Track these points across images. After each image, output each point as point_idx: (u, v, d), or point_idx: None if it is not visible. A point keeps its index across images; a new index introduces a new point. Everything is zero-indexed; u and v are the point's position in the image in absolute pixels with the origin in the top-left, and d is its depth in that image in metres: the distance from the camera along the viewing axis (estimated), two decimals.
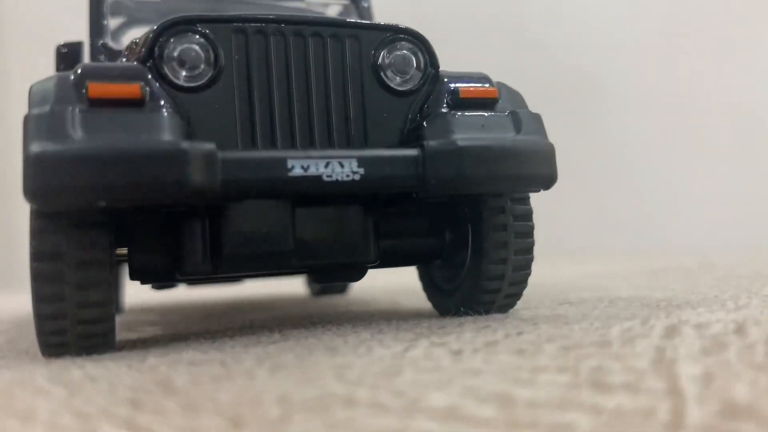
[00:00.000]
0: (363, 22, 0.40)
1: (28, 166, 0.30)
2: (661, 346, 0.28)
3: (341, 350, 0.30)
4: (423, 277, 0.46)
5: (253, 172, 0.32)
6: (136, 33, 0.64)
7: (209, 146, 0.31)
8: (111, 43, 0.50)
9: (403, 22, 0.43)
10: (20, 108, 0.36)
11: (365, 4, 0.58)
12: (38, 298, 0.33)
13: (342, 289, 0.64)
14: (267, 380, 0.25)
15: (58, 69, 0.52)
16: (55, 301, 0.32)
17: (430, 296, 0.46)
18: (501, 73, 0.47)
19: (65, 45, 0.51)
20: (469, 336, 0.32)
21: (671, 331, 0.30)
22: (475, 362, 0.27)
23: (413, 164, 0.35)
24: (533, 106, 0.42)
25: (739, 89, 2.41)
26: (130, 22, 0.59)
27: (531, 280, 0.42)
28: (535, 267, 0.42)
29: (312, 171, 0.33)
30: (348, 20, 0.39)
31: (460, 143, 0.35)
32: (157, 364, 0.30)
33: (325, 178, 0.33)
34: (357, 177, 0.34)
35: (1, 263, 1.79)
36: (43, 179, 0.30)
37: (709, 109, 2.45)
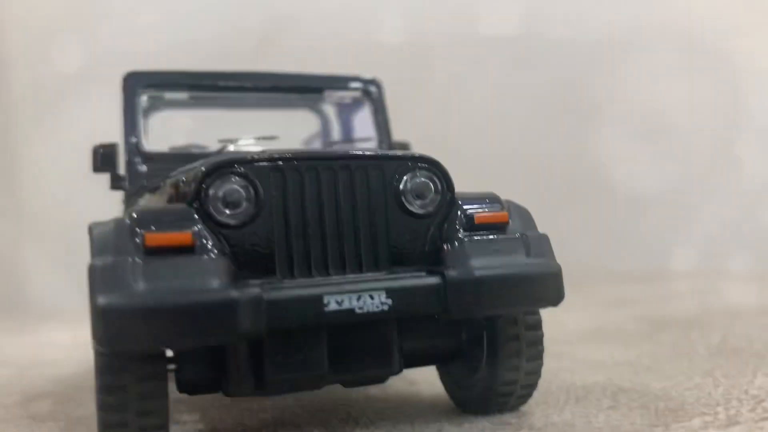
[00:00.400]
0: (385, 153, 0.43)
1: (96, 316, 0.33)
2: None
3: None
4: (442, 373, 0.50)
5: (294, 311, 0.36)
6: (163, 115, 0.68)
7: (255, 291, 0.35)
8: (143, 143, 0.53)
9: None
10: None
11: (375, 94, 0.62)
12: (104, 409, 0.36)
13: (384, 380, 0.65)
14: None
15: (94, 168, 0.56)
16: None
17: (448, 389, 0.49)
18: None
19: (101, 146, 0.55)
20: None
21: None
22: None
23: (436, 292, 0.39)
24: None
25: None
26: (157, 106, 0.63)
27: None
28: None
29: (345, 305, 0.37)
30: (372, 153, 0.43)
31: (477, 273, 0.39)
32: None
33: (357, 311, 0.37)
34: (386, 308, 0.37)
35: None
36: (110, 328, 0.33)
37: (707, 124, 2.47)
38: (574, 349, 0.70)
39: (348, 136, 0.65)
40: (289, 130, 0.72)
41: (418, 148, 0.55)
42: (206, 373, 0.40)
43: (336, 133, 0.68)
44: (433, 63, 2.50)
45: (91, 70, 1.90)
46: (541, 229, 0.45)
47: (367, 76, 0.64)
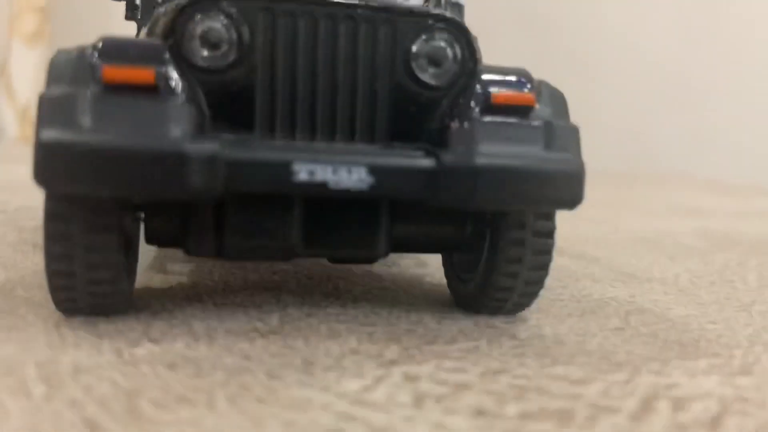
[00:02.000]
0: (400, 6, 0.37)
1: (37, 151, 0.30)
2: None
3: (310, 376, 0.31)
4: (445, 261, 0.46)
5: (256, 176, 0.32)
6: None
7: (212, 147, 0.31)
8: None
9: None
10: None
11: None
12: (49, 257, 0.34)
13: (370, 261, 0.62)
14: (225, 408, 0.27)
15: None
16: (64, 260, 0.34)
17: (448, 280, 0.45)
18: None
19: None
20: (447, 367, 0.32)
21: (645, 407, 0.29)
22: (432, 415, 0.27)
23: (427, 177, 0.34)
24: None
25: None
26: None
27: None
28: None
29: (318, 177, 0.32)
30: (383, 4, 0.36)
31: (479, 161, 0.34)
32: (145, 355, 0.32)
33: (331, 185, 0.33)
34: (365, 186, 0.33)
35: None
36: (50, 167, 0.30)
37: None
38: (612, 255, 0.65)
39: None
40: None
41: None
42: (170, 228, 0.37)
43: None
44: None
45: None
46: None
47: None
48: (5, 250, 0.53)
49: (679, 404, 0.30)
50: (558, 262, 0.54)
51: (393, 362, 0.33)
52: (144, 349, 0.33)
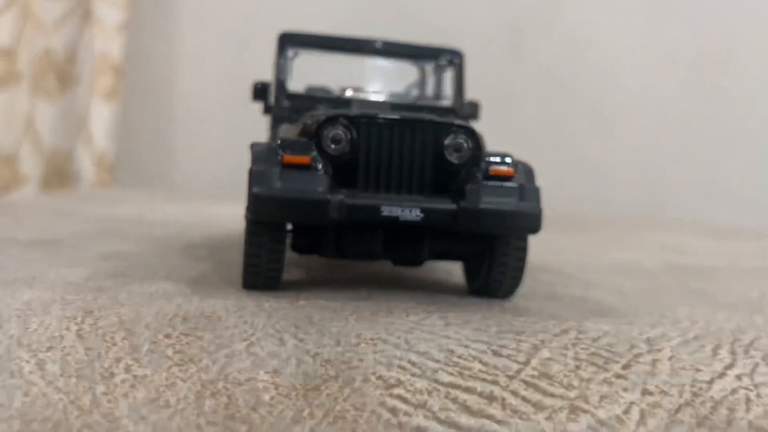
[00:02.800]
0: (437, 119, 0.65)
1: (251, 199, 0.59)
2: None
3: (391, 314, 0.59)
4: (465, 268, 0.73)
5: (361, 213, 0.60)
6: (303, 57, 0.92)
7: (341, 197, 0.59)
8: (287, 85, 0.78)
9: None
10: None
11: (457, 62, 0.82)
12: (247, 256, 0.63)
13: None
14: (357, 322, 0.54)
15: (253, 97, 0.82)
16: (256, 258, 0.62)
17: (466, 278, 0.73)
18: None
19: (259, 83, 0.81)
20: (462, 313, 0.59)
21: (560, 334, 0.57)
22: (452, 330, 0.54)
23: (452, 214, 0.62)
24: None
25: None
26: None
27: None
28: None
29: (394, 213, 0.60)
30: (428, 119, 0.65)
31: (480, 206, 0.61)
32: (304, 304, 0.60)
33: (400, 218, 0.61)
34: (418, 218, 0.61)
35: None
36: (257, 206, 0.58)
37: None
38: (584, 274, 0.92)
39: (436, 91, 0.87)
40: (396, 76, 0.95)
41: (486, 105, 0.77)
42: (309, 242, 0.65)
43: (429, 86, 0.90)
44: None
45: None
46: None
47: (455, 47, 0.84)
48: (181, 259, 0.82)
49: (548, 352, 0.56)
50: (541, 275, 0.81)
51: (432, 311, 0.61)
52: (303, 301, 0.61)
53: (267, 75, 1.26)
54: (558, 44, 2.81)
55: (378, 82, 0.84)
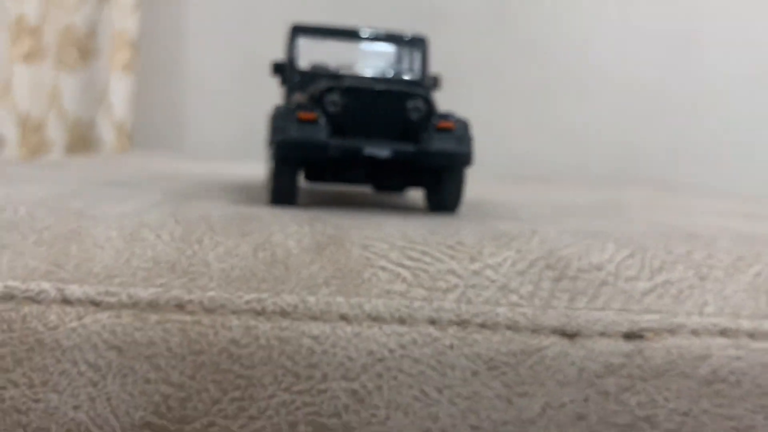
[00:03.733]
0: (402, 89, 0.93)
1: (274, 144, 0.88)
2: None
3: (363, 218, 0.88)
4: (425, 193, 1.03)
5: (349, 152, 0.89)
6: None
7: (335, 141, 0.88)
8: (297, 64, 1.07)
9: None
10: None
11: (424, 44, 1.12)
12: (275, 182, 0.92)
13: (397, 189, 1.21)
14: (346, 221, 0.84)
15: (273, 72, 1.11)
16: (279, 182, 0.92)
17: (426, 200, 1.02)
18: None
19: (276, 62, 1.10)
20: (418, 216, 0.89)
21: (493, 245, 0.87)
22: (410, 223, 0.84)
23: (412, 153, 0.90)
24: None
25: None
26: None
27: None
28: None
29: (373, 152, 0.89)
30: (396, 89, 0.93)
31: (430, 148, 0.90)
32: (319, 213, 0.89)
33: (376, 155, 0.90)
34: (388, 155, 0.90)
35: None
36: (279, 149, 0.87)
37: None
38: (532, 210, 1.21)
39: (409, 66, 1.16)
40: (377, 54, 1.23)
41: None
42: (317, 172, 0.94)
43: (405, 63, 1.18)
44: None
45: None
46: None
47: (422, 34, 1.13)
48: (223, 192, 1.11)
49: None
50: (484, 206, 1.11)
51: (397, 215, 0.90)
52: (312, 211, 0.90)
53: (268, 48, 1.58)
54: (542, 17, 3.11)
55: (364, 59, 1.13)
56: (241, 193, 1.12)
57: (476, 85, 1.31)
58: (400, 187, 0.96)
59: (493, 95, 2.91)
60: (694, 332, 0.65)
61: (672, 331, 0.65)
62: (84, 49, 2.74)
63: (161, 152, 2.62)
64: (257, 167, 1.80)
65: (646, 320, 0.66)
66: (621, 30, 3.05)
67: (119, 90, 2.81)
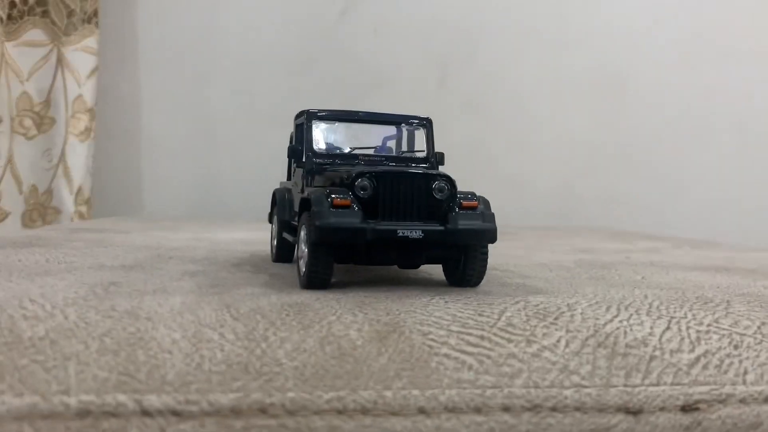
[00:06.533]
0: (428, 172, 0.97)
1: (314, 228, 0.89)
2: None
3: (405, 300, 0.91)
4: (444, 269, 1.06)
5: (384, 233, 0.92)
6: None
7: (372, 225, 0.91)
8: (314, 147, 1.09)
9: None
10: None
11: (428, 125, 1.16)
12: (313, 265, 0.93)
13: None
14: (390, 303, 0.86)
15: (288, 156, 1.12)
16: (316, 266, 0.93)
17: (445, 276, 1.06)
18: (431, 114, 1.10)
19: (291, 146, 1.12)
20: (449, 292, 0.92)
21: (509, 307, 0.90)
22: (439, 295, 0.86)
23: (441, 232, 0.94)
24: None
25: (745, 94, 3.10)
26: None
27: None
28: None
29: (405, 234, 0.92)
30: (422, 172, 0.97)
31: (458, 227, 0.94)
32: (352, 296, 0.91)
33: (409, 237, 0.93)
34: (420, 236, 0.93)
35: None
36: (320, 234, 0.89)
37: (717, 112, 3.15)
38: (520, 270, 1.26)
39: (408, 145, 1.20)
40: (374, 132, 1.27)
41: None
42: (348, 255, 0.96)
43: (404, 143, 1.22)
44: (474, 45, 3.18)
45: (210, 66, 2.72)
46: None
47: (426, 117, 1.18)
48: (242, 273, 1.11)
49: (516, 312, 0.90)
50: (492, 272, 1.15)
51: (435, 295, 0.93)
52: (351, 293, 0.92)
53: (222, 110, 1.64)
54: (478, 77, 3.24)
55: (365, 138, 1.17)
56: (263, 269, 1.13)
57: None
58: (422, 264, 1.00)
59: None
60: (743, 401, 0.70)
61: (723, 401, 0.70)
62: (39, 116, 2.68)
63: (123, 218, 2.57)
64: (234, 235, 1.80)
65: (699, 392, 0.70)
66: (555, 85, 3.20)
67: (77, 157, 2.76)
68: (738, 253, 1.63)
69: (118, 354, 0.68)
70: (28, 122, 2.76)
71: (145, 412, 0.62)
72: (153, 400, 0.63)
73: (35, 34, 2.59)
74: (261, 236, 1.58)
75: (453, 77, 3.17)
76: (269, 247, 1.30)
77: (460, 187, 0.97)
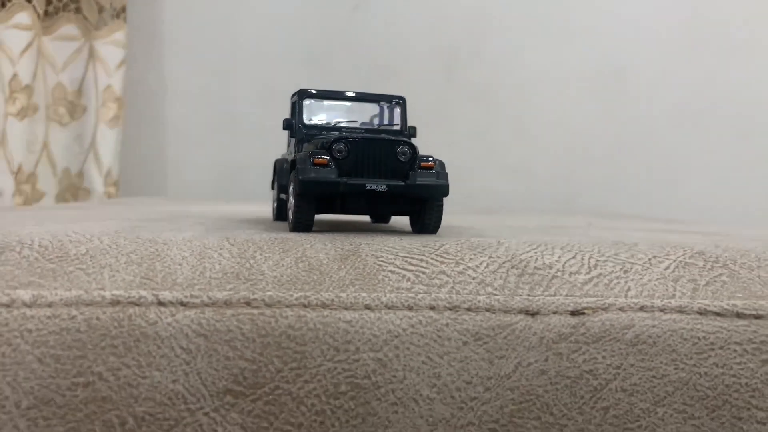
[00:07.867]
0: (393, 138, 1.18)
1: (297, 182, 1.11)
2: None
3: (368, 237, 1.13)
4: (410, 220, 1.27)
5: (355, 187, 1.13)
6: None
7: (344, 179, 1.12)
8: (304, 119, 1.31)
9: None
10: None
11: (403, 103, 1.38)
12: (296, 213, 1.15)
13: (385, 221, 1.45)
14: (356, 239, 1.08)
15: (284, 128, 1.35)
16: (299, 213, 1.15)
17: (411, 224, 1.27)
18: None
19: (286, 119, 1.34)
20: (409, 236, 1.13)
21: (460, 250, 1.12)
22: (405, 240, 1.08)
23: (404, 187, 1.15)
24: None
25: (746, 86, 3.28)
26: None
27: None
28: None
29: (373, 187, 1.13)
30: (388, 137, 1.18)
31: (417, 182, 1.15)
32: (327, 233, 1.13)
33: (376, 189, 1.14)
34: (385, 189, 1.14)
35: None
36: (301, 186, 1.11)
37: (717, 102, 3.34)
38: (490, 230, 1.47)
39: (389, 120, 1.42)
40: (362, 110, 1.49)
41: (427, 120, 1.34)
42: (327, 206, 1.18)
43: (386, 118, 1.44)
44: (479, 37, 3.43)
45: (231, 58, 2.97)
46: None
47: (401, 95, 1.39)
48: (246, 224, 1.33)
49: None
50: (456, 228, 1.36)
51: (394, 234, 1.14)
52: (327, 234, 1.14)
53: (242, 99, 1.90)
54: (486, 68, 3.45)
55: (353, 114, 1.39)
56: (262, 224, 1.35)
57: (429, 131, 1.58)
58: (391, 215, 1.21)
59: (445, 139, 3.20)
60: (621, 309, 0.90)
61: (605, 308, 0.90)
62: (72, 105, 2.93)
63: (149, 197, 2.81)
64: (246, 207, 2.03)
65: (586, 301, 0.91)
66: (559, 76, 3.39)
67: (106, 142, 3.00)
68: (716, 229, 1.80)
69: (140, 265, 0.90)
70: (62, 110, 3.02)
71: (160, 303, 0.84)
72: (166, 294, 0.85)
73: (69, 29, 2.84)
74: (270, 209, 1.81)
75: (461, 69, 3.38)
76: (271, 210, 1.53)
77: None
